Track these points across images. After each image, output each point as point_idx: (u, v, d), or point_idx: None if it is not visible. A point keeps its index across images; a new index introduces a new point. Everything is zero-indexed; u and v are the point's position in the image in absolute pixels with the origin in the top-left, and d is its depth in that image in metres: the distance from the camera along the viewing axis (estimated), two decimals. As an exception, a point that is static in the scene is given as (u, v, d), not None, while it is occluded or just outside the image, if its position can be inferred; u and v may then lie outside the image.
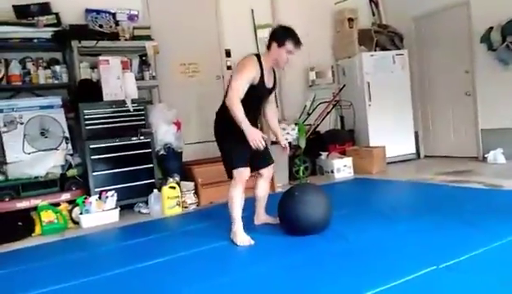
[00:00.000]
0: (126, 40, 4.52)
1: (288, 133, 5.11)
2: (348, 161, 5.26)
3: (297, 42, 2.81)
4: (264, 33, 5.60)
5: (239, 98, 2.67)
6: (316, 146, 5.46)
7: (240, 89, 2.69)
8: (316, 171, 5.44)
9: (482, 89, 5.27)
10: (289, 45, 2.78)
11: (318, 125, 5.67)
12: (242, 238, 2.77)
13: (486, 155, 5.12)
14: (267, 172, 3.09)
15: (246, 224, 2.94)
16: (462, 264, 2.07)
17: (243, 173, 2.82)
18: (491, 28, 4.89)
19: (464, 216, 2.90)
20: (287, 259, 2.46)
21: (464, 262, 2.09)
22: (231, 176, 2.87)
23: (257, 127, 2.91)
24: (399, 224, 2.89)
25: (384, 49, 5.95)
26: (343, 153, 5.45)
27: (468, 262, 2.09)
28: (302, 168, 5.22)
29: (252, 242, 2.74)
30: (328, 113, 5.73)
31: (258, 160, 2.96)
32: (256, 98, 2.86)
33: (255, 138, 2.64)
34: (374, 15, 6.37)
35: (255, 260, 2.54)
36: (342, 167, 5.20)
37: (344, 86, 5.90)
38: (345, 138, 5.75)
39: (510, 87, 4.93)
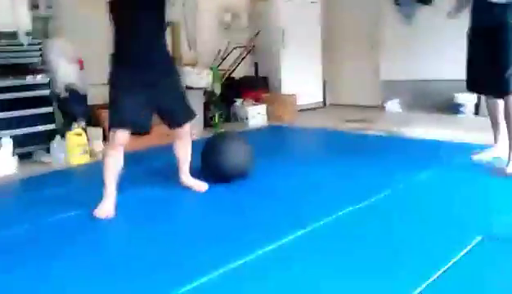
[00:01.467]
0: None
1: (202, 78, 4.94)
2: (262, 108, 5.31)
3: None
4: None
5: None
6: (230, 93, 5.39)
7: None
8: (230, 118, 5.41)
9: (385, 43, 5.62)
10: None
11: (233, 71, 5.57)
12: (101, 208, 2.35)
13: (384, 104, 5.58)
14: (180, 132, 2.64)
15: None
16: (377, 203, 2.26)
17: (118, 136, 2.35)
18: (398, -18, 5.17)
19: (369, 160, 3.14)
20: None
21: (378, 201, 2.28)
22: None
23: (159, 62, 2.44)
24: (313, 168, 3.03)
25: (298, -5, 5.93)
26: (258, 100, 5.48)
27: (382, 201, 2.29)
28: (217, 115, 5.13)
29: (111, 215, 2.35)
30: (243, 58, 5.64)
31: (170, 116, 2.57)
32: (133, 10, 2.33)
33: None
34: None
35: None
36: (256, 115, 5.24)
37: (259, 31, 5.81)
38: (259, 85, 5.76)
39: (409, 42, 5.34)
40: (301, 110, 5.76)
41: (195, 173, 2.81)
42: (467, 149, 3.11)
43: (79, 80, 4.03)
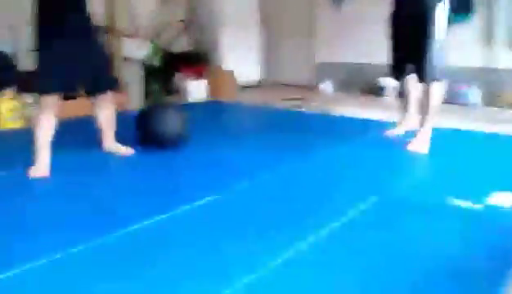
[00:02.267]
0: None
1: (140, 50, 4.93)
2: (202, 83, 5.41)
3: None
4: None
5: None
6: (170, 66, 5.43)
7: None
8: (170, 91, 5.45)
9: (321, 25, 5.90)
10: None
11: (171, 44, 5.59)
12: (37, 167, 2.42)
13: (318, 85, 5.91)
14: (100, 100, 2.70)
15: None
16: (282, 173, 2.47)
17: (46, 100, 2.42)
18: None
19: (291, 135, 3.36)
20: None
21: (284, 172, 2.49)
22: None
23: (85, 19, 2.54)
24: (236, 142, 3.20)
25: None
26: (198, 75, 5.56)
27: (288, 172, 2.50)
28: (156, 87, 5.16)
29: (46, 174, 2.42)
30: (182, 31, 5.66)
31: (90, 83, 2.63)
32: None
33: None
34: None
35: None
36: (196, 89, 5.34)
37: (199, 5, 5.84)
38: (199, 60, 5.83)
39: (342, 28, 5.65)
40: (241, 87, 5.93)
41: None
42: (384, 126, 3.43)
43: (8, 46, 3.89)
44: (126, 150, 2.84)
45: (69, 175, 2.49)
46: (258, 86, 6.38)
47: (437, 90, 2.80)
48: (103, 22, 4.38)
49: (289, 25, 6.33)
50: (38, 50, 2.44)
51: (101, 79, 2.68)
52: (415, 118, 3.05)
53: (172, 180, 2.44)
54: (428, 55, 2.71)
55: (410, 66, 2.91)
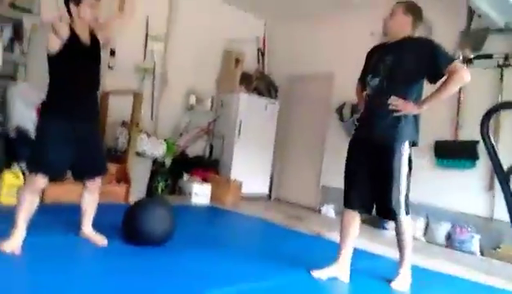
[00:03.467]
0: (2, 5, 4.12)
1: (155, 148, 5.15)
2: (207, 187, 5.50)
3: None
4: (155, 45, 5.69)
5: None
6: (181, 167, 5.60)
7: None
8: (175, 191, 5.54)
9: (328, 151, 6.14)
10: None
11: (187, 147, 5.85)
12: (10, 243, 2.41)
13: (321, 208, 5.92)
14: (91, 184, 2.78)
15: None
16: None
17: (39, 181, 2.48)
18: (345, 103, 5.83)
19: (267, 252, 3.31)
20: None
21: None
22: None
23: (89, 117, 2.68)
24: (215, 251, 3.10)
25: (260, 94, 6.53)
26: (205, 180, 5.69)
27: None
28: (162, 185, 5.27)
29: (17, 252, 2.41)
30: (199, 138, 5.97)
31: (83, 167, 2.70)
32: (75, 57, 2.58)
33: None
34: (258, 62, 6.98)
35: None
36: (200, 192, 5.41)
37: (219, 117, 6.25)
38: (210, 166, 6.02)
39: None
40: (246, 198, 5.97)
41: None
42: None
43: (32, 125, 4.14)
44: (100, 239, 2.82)
45: (36, 255, 2.45)
46: (263, 199, 6.44)
47: (407, 224, 2.70)
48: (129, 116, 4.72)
49: (300, 147, 6.61)
50: (39, 128, 2.58)
51: (94, 164, 2.77)
52: (346, 264, 2.79)
53: (128, 281, 2.26)
54: (398, 192, 2.59)
55: (376, 200, 2.71)
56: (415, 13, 2.72)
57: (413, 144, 2.67)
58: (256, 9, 6.57)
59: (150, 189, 5.13)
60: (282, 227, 4.57)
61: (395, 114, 2.59)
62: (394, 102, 2.58)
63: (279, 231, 4.37)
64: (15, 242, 2.43)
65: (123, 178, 4.64)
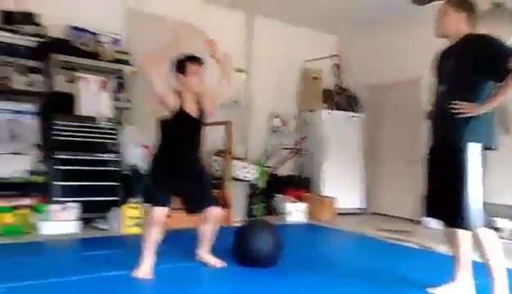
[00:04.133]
0: (106, 61, 4.70)
1: (249, 172, 5.37)
2: (302, 206, 5.56)
3: (196, 61, 2.86)
4: (237, 77, 6.02)
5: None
6: (273, 188, 5.75)
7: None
8: (271, 211, 5.68)
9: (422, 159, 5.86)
10: (191, 67, 2.83)
11: (278, 168, 6.01)
12: (141, 269, 2.69)
13: (421, 219, 5.62)
14: (209, 216, 2.97)
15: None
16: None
17: (159, 213, 2.74)
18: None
19: (377, 269, 3.16)
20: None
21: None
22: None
23: (197, 162, 2.97)
24: (326, 273, 3.06)
25: (342, 109, 6.53)
26: (298, 198, 5.77)
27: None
28: (258, 207, 5.45)
29: (149, 277, 2.67)
30: (288, 159, 6.11)
31: (195, 202, 2.93)
32: (183, 126, 2.83)
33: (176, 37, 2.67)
34: (336, 78, 7.02)
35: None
36: (295, 211, 5.48)
37: (305, 137, 6.35)
38: (301, 184, 6.09)
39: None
40: (341, 214, 5.92)
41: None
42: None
43: (142, 162, 4.59)
44: (217, 262, 3.01)
45: (166, 280, 2.69)
46: (359, 214, 6.32)
47: (485, 237, 2.39)
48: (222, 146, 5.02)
49: (392, 157, 6.42)
50: (151, 171, 2.88)
51: (204, 197, 2.98)
52: (467, 279, 2.58)
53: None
54: (462, 199, 2.35)
55: (443, 209, 2.47)
56: (466, 7, 2.49)
57: (488, 147, 2.42)
58: (327, 27, 6.68)
59: (249, 212, 5.32)
60: (385, 242, 4.42)
61: (456, 117, 2.40)
62: (455, 106, 2.40)
63: (383, 246, 4.23)
64: (146, 268, 2.70)
65: (224, 203, 4.89)
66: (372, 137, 6.64)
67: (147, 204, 2.82)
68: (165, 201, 2.78)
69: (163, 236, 2.82)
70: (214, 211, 2.98)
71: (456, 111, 2.40)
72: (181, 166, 2.85)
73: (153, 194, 2.80)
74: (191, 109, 2.85)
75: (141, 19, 5.21)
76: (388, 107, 6.52)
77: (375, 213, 6.51)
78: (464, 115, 2.39)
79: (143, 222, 2.90)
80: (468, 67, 2.42)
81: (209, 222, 3.00)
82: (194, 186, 2.91)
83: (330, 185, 6.08)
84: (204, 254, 3.08)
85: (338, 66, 7.02)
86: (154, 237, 2.75)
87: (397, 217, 6.09)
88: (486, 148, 2.42)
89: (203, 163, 3.15)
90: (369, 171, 6.59)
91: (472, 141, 2.38)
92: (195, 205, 2.95)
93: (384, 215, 6.33)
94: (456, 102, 2.41)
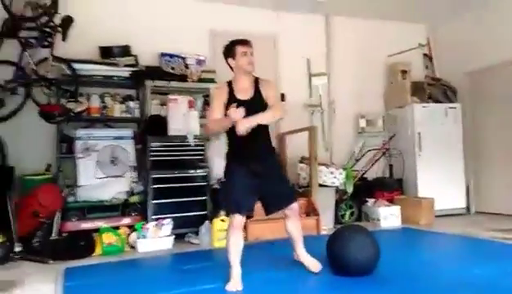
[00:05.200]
0: (193, 81, 4.98)
1: (335, 177, 5.25)
2: (396, 209, 5.26)
3: (243, 42, 2.87)
4: (318, 81, 5.94)
5: (209, 123, 2.86)
6: (362, 192, 5.54)
7: (213, 115, 2.84)
8: (361, 217, 5.48)
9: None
10: (239, 49, 2.84)
11: (366, 171, 5.78)
12: (232, 283, 2.71)
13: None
14: (288, 212, 2.99)
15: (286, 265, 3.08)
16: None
17: (236, 220, 2.76)
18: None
19: (493, 276, 2.83)
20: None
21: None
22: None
23: (264, 156, 2.88)
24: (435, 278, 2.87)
25: (436, 101, 6.03)
26: (391, 202, 5.47)
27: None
28: (348, 213, 5.31)
29: (240, 288, 2.68)
30: (377, 160, 5.84)
31: (273, 200, 2.91)
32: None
33: (240, 126, 2.59)
34: (427, 68, 6.50)
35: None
36: (388, 215, 5.20)
37: (394, 135, 6.00)
38: (393, 186, 5.77)
39: None
40: (440, 216, 5.48)
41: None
42: None
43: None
44: (314, 264, 2.99)
45: (264, 284, 2.77)
46: (460, 214, 5.79)
47: None
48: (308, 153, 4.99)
49: (498, 150, 5.77)
50: (227, 175, 2.89)
51: (280, 196, 2.95)
52: None
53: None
54: None
55: None
56: None
57: None
58: (413, 15, 6.21)
59: (337, 218, 5.21)
60: (497, 242, 3.97)
61: None
62: None
63: (496, 248, 3.80)
64: (235, 281, 2.73)
65: (312, 210, 4.85)
66: (473, 129, 6.03)
67: (227, 212, 2.88)
68: (243, 206, 2.78)
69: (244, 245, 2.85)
70: (296, 208, 3.01)
71: None
72: (246, 154, 2.82)
73: (229, 199, 2.81)
74: (243, 93, 2.85)
75: (223, 37, 5.38)
76: (491, 94, 5.84)
77: (479, 212, 5.90)
78: None
79: (226, 232, 2.94)
80: None
81: (294, 219, 3.01)
82: (269, 180, 2.87)
83: (426, 185, 5.66)
84: (300, 252, 3.08)
85: (428, 56, 6.49)
86: (235, 246, 2.77)
87: (508, 215, 5.44)
88: None
89: (274, 154, 3.10)
90: (471, 167, 5.99)
91: None
92: (273, 203, 2.93)
93: (492, 214, 5.70)
94: None
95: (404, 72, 6.13)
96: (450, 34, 6.31)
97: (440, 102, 6.03)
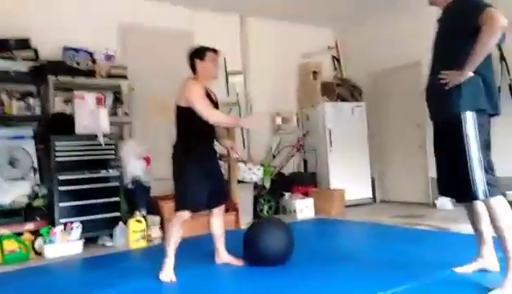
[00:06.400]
0: (102, 77, 4.72)
1: (254, 173, 5.34)
2: (310, 202, 5.51)
3: (215, 51, 3.04)
4: (235, 79, 6.00)
5: (212, 110, 2.84)
6: (280, 187, 5.72)
7: (207, 106, 2.84)
8: (279, 210, 5.65)
9: (431, 141, 5.73)
10: (210, 55, 3.00)
11: (283, 167, 5.96)
12: (165, 272, 2.80)
13: (435, 201, 5.53)
14: (217, 210, 3.11)
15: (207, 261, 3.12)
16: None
17: (186, 215, 2.86)
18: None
19: (395, 256, 3.11)
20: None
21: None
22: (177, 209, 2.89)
23: (214, 155, 3.08)
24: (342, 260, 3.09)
25: (344, 100, 6.44)
26: (306, 195, 5.72)
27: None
28: (266, 207, 5.42)
29: (174, 279, 2.77)
30: (292, 156, 6.06)
31: (213, 198, 2.99)
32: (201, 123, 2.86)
33: (254, 124, 2.88)
34: (335, 69, 6.92)
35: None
36: (304, 207, 5.44)
37: (308, 132, 6.29)
38: (307, 180, 6.04)
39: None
40: (350, 206, 5.85)
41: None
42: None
43: (144, 174, 4.61)
44: (237, 261, 3.11)
45: (191, 279, 2.79)
46: (369, 204, 6.24)
47: (498, 207, 2.24)
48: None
49: (398, 143, 6.32)
50: (182, 172, 2.87)
51: (222, 193, 3.15)
52: (490, 254, 2.53)
53: None
54: (468, 171, 2.24)
55: (452, 184, 2.39)
56: None
57: (481, 111, 2.28)
58: (322, 20, 6.57)
59: (256, 213, 5.30)
60: (400, 227, 4.36)
61: (446, 88, 2.31)
62: (441, 76, 2.33)
63: (399, 232, 4.17)
64: (169, 271, 2.79)
65: (231, 206, 4.87)
66: (376, 125, 6.54)
67: (179, 208, 2.86)
68: (199, 203, 2.89)
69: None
70: (223, 207, 3.16)
71: (443, 81, 2.33)
72: (205, 151, 3.03)
73: (186, 195, 2.85)
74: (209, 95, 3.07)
75: (135, 33, 5.23)
76: (390, 93, 6.41)
77: (384, 201, 6.42)
78: (450, 85, 2.30)
79: (168, 225, 2.97)
80: (448, 33, 2.39)
81: (221, 218, 3.13)
82: (216, 178, 3.03)
83: (337, 178, 6.01)
84: (224, 254, 3.15)
85: (336, 58, 6.92)
86: (176, 239, 2.85)
87: (409, 203, 6.00)
88: (490, 114, 2.33)
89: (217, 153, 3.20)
90: (376, 160, 6.49)
91: (466, 110, 2.27)
92: (215, 199, 3.02)
93: (395, 202, 6.24)
94: (441, 73, 2.35)
95: (315, 73, 6.46)
96: (355, 38, 6.80)
97: (347, 101, 6.45)
